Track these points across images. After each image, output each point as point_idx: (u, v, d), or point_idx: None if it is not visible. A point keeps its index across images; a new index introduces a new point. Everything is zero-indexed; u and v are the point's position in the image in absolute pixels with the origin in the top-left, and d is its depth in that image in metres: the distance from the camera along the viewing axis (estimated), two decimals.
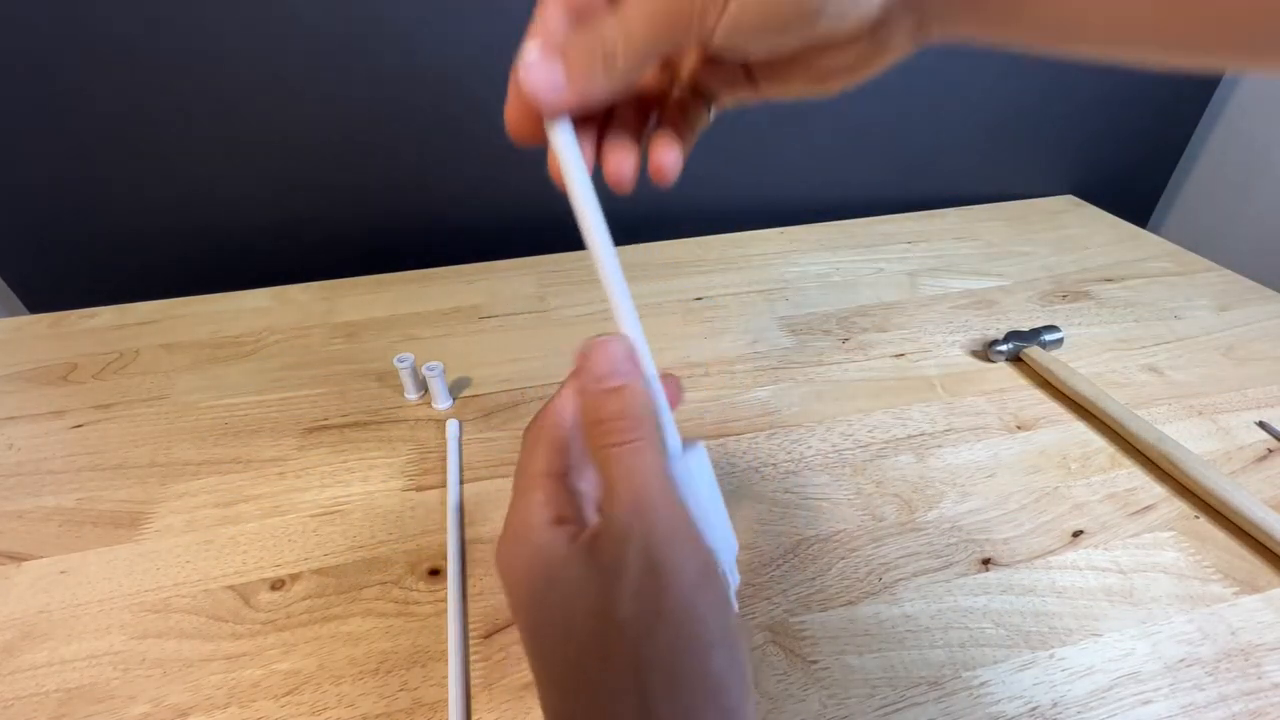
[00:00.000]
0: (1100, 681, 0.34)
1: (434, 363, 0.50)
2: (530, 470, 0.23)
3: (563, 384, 0.24)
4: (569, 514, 0.22)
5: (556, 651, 0.20)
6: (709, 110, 0.27)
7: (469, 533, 0.42)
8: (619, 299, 0.23)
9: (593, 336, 0.22)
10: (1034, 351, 0.55)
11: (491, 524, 0.42)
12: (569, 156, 0.22)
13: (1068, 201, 0.87)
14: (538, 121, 0.22)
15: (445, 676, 0.34)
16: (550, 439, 0.23)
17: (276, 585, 0.39)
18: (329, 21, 0.59)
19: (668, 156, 0.25)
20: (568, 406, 0.24)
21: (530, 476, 0.23)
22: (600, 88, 0.21)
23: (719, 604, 0.20)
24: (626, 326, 0.23)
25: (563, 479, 0.23)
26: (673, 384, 0.25)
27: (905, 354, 0.58)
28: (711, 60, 0.25)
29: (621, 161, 0.24)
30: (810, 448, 0.48)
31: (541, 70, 0.21)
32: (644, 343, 0.23)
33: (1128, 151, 0.88)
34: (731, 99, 0.26)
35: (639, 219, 0.77)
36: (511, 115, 0.23)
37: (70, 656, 0.35)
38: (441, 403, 0.52)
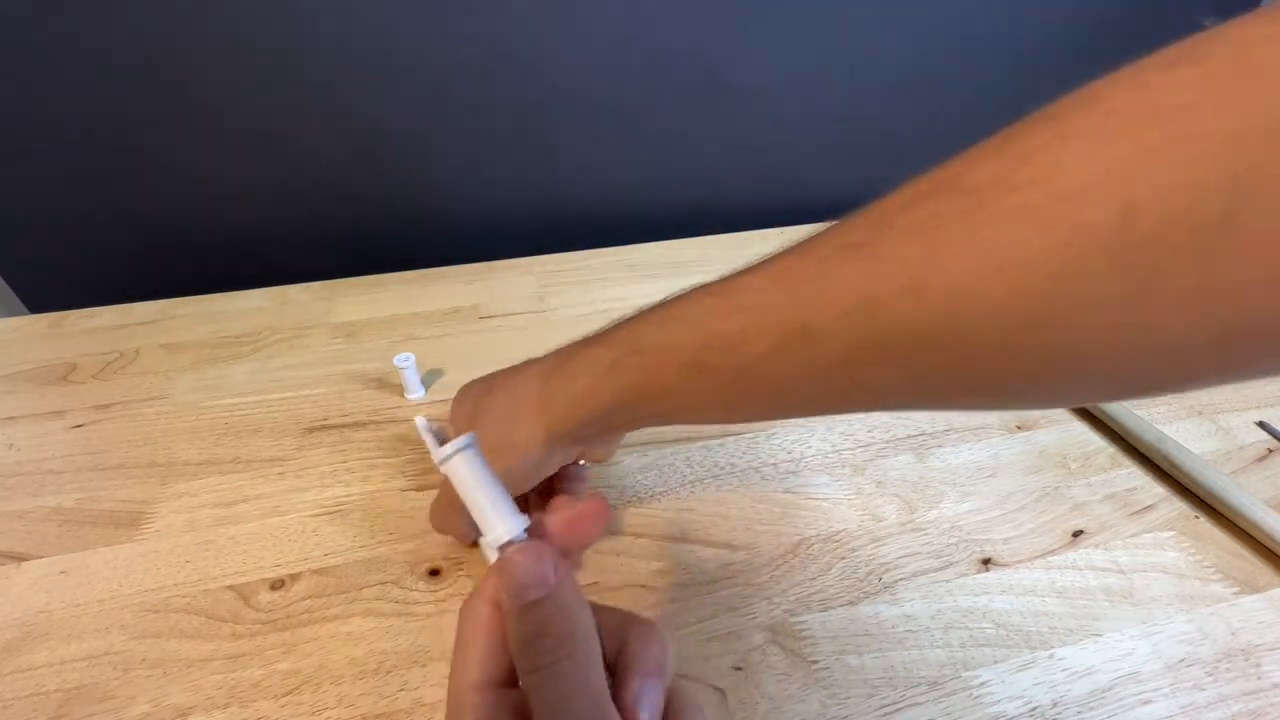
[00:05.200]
0: (1100, 681, 0.34)
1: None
2: (461, 684, 0.21)
3: (485, 576, 0.23)
4: None
5: None
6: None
7: None
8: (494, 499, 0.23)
9: (510, 544, 0.22)
10: None
11: None
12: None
13: None
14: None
15: (445, 676, 0.34)
16: (483, 642, 0.21)
17: (276, 585, 0.39)
18: (329, 20, 0.59)
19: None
20: (492, 600, 0.22)
21: (461, 692, 0.21)
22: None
23: None
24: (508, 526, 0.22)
25: (500, 687, 0.21)
26: (597, 510, 0.25)
27: None
28: None
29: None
30: (810, 448, 0.48)
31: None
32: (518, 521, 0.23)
33: None
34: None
35: (639, 219, 0.77)
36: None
37: (70, 656, 0.35)
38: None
